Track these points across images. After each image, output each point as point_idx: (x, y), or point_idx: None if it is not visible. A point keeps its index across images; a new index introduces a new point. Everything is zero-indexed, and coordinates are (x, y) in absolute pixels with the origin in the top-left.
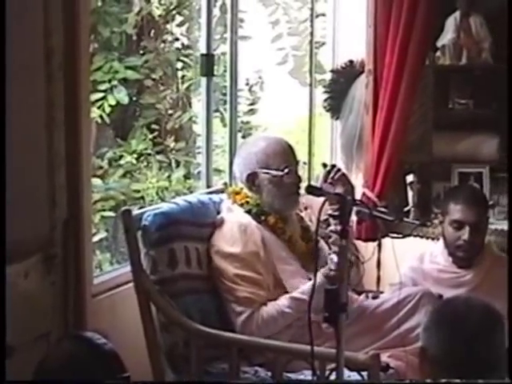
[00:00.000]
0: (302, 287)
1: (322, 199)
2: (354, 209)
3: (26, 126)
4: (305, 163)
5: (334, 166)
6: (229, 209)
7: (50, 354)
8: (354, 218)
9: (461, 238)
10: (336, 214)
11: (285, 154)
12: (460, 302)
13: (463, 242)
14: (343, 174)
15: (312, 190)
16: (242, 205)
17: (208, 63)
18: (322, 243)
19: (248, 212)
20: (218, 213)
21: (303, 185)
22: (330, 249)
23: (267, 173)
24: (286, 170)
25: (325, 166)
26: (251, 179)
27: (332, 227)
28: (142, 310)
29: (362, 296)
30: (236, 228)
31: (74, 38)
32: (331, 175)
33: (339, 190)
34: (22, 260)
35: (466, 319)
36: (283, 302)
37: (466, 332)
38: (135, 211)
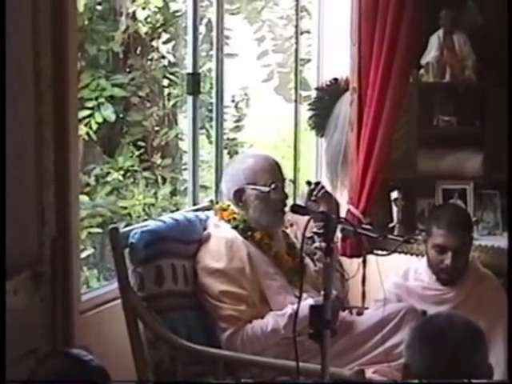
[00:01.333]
0: (289, 306)
1: (306, 216)
2: (339, 226)
3: (15, 144)
4: (291, 181)
5: (317, 184)
6: (215, 225)
7: (37, 372)
8: (338, 234)
9: (443, 262)
10: (321, 231)
11: (272, 171)
12: (441, 318)
13: (445, 266)
14: (326, 192)
15: (297, 209)
16: (228, 221)
17: (194, 82)
18: (308, 260)
19: (235, 228)
20: (205, 230)
21: (289, 202)
22: (315, 265)
23: (254, 189)
24: (273, 186)
25: (309, 183)
26: (238, 195)
27: (317, 244)
28: (129, 326)
29: (347, 312)
30: (222, 243)
31: (62, 58)
32: (315, 193)
33: (323, 207)
34: (11, 277)
35: (448, 336)
36: (269, 320)
37: (448, 348)
38: (122, 229)
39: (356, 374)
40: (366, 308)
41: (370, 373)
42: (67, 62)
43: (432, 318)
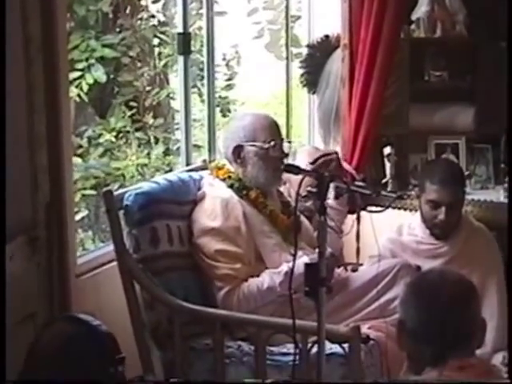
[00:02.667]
0: (284, 264)
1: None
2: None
3: (6, 110)
4: (289, 142)
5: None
6: (210, 184)
7: (44, 336)
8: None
9: (437, 217)
10: (314, 190)
11: (271, 129)
12: (434, 274)
13: (439, 221)
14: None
15: (290, 169)
16: (223, 180)
17: (185, 42)
18: (303, 217)
19: (230, 187)
20: (199, 190)
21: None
22: (310, 223)
23: (254, 145)
24: (272, 143)
25: None
26: (237, 152)
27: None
28: (125, 288)
29: (341, 269)
30: (218, 202)
31: (51, 21)
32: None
33: None
34: (6, 243)
35: (441, 291)
36: (264, 277)
37: (441, 304)
38: (116, 191)
39: (352, 330)
40: (361, 264)
41: (365, 328)
42: (56, 25)
43: (425, 274)
